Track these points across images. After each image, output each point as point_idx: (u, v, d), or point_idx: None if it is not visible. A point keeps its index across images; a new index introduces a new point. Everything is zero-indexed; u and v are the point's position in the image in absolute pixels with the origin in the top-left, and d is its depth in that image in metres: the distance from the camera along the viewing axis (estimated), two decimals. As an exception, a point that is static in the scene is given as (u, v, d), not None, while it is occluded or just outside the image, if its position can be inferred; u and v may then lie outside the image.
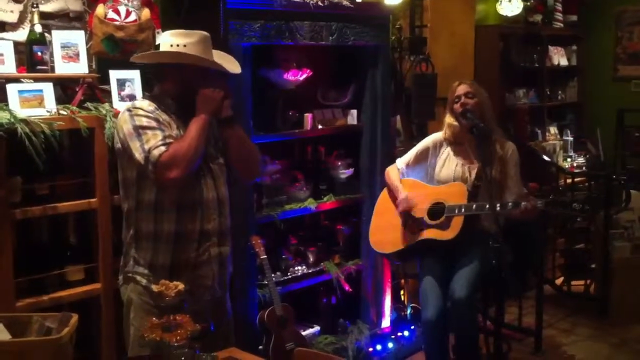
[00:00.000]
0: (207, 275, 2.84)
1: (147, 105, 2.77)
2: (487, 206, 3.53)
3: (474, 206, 3.61)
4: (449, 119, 3.90)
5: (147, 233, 2.77)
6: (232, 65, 2.93)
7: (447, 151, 3.89)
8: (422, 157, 3.97)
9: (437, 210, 3.74)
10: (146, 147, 2.63)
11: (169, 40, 2.80)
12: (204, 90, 2.75)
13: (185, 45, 2.75)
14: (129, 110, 2.74)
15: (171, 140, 2.67)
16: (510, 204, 3.52)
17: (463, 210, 3.63)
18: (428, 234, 3.75)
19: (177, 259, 2.78)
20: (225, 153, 2.90)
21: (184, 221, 2.76)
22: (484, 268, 3.67)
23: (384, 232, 3.97)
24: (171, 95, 2.82)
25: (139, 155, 2.63)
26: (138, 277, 2.81)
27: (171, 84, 2.83)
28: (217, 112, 2.77)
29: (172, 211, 2.75)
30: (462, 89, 3.85)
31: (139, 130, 2.66)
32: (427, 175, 3.95)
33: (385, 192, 4.07)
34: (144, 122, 2.68)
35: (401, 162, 4.02)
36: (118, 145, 2.75)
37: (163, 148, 2.62)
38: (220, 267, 2.89)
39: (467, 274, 3.62)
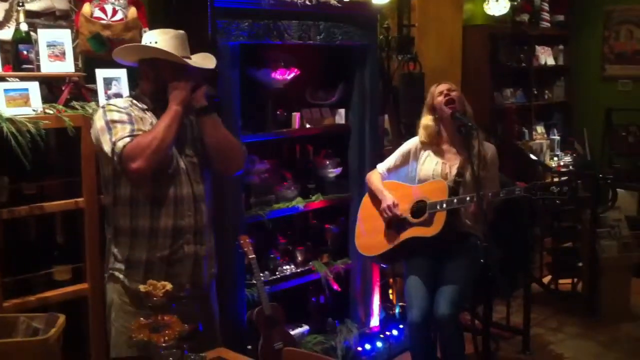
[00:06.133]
0: (180, 273, 2.83)
1: (121, 102, 2.85)
2: (468, 198, 3.59)
3: (455, 200, 3.64)
4: (425, 120, 3.92)
5: (125, 229, 2.80)
6: (205, 61, 2.94)
7: (427, 152, 3.90)
8: (403, 160, 3.98)
9: (420, 209, 3.75)
10: (113, 139, 2.66)
11: (146, 39, 2.86)
12: (172, 82, 2.78)
13: (156, 42, 2.80)
14: (103, 107, 2.81)
15: (139, 133, 2.70)
16: (490, 193, 3.56)
17: (445, 205, 3.65)
18: (412, 232, 3.76)
19: (152, 255, 2.79)
20: (204, 145, 2.90)
21: (158, 216, 2.78)
22: (470, 277, 3.71)
23: (369, 235, 3.97)
24: (148, 93, 2.87)
25: (107, 148, 2.67)
26: (116, 274, 2.84)
27: (146, 81, 2.88)
28: (187, 102, 2.78)
29: (146, 206, 2.77)
30: (443, 86, 3.90)
31: (109, 124, 2.70)
32: (408, 176, 3.96)
33: (367, 197, 4.06)
34: (115, 116, 2.72)
35: (382, 166, 4.02)
36: (94, 141, 2.79)
37: (128, 139, 2.65)
38: (194, 267, 2.88)
39: (452, 290, 3.62)
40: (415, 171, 3.92)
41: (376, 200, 3.95)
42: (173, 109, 2.73)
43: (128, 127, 2.69)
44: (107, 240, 2.91)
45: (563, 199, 3.49)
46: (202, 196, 2.89)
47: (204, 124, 2.85)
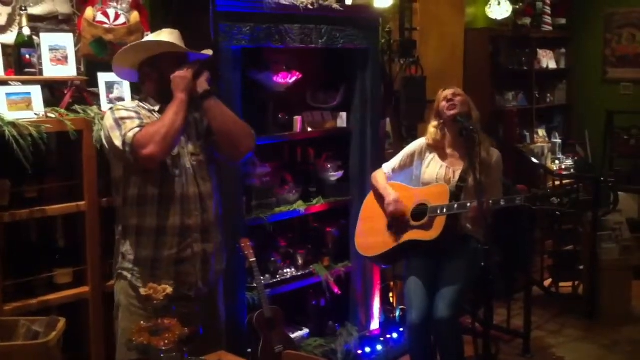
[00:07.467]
0: (189, 271, 2.87)
1: (128, 103, 2.95)
2: (469, 204, 3.59)
3: (456, 205, 3.65)
4: (431, 124, 3.96)
5: (132, 228, 2.84)
6: (203, 52, 3.01)
7: (432, 155, 3.92)
8: (408, 161, 4.00)
9: (421, 212, 3.76)
10: (124, 132, 2.71)
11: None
12: (174, 74, 2.82)
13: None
14: (110, 108, 2.87)
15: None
16: (491, 201, 3.57)
17: (445, 210, 3.66)
18: (412, 235, 3.77)
19: (160, 254, 2.82)
20: (211, 135, 2.94)
21: (165, 215, 2.81)
22: (470, 279, 3.72)
23: (369, 235, 3.98)
24: (152, 94, 2.93)
25: (119, 142, 2.71)
26: (124, 273, 2.88)
27: (150, 83, 2.94)
28: (190, 89, 2.81)
29: (153, 205, 2.81)
30: (448, 91, 3.93)
31: (118, 122, 2.76)
32: (412, 178, 3.98)
33: (370, 196, 4.07)
34: (124, 114, 2.79)
35: (387, 166, 4.05)
36: (105, 143, 2.84)
37: (137, 129, 2.71)
38: (203, 264, 2.91)
39: (450, 292, 3.64)
40: (420, 172, 3.93)
41: (380, 200, 3.96)
42: (178, 97, 2.78)
43: (137, 121, 2.76)
44: (116, 240, 2.95)
45: (563, 210, 3.51)
46: (209, 194, 2.92)
47: (209, 108, 2.87)
